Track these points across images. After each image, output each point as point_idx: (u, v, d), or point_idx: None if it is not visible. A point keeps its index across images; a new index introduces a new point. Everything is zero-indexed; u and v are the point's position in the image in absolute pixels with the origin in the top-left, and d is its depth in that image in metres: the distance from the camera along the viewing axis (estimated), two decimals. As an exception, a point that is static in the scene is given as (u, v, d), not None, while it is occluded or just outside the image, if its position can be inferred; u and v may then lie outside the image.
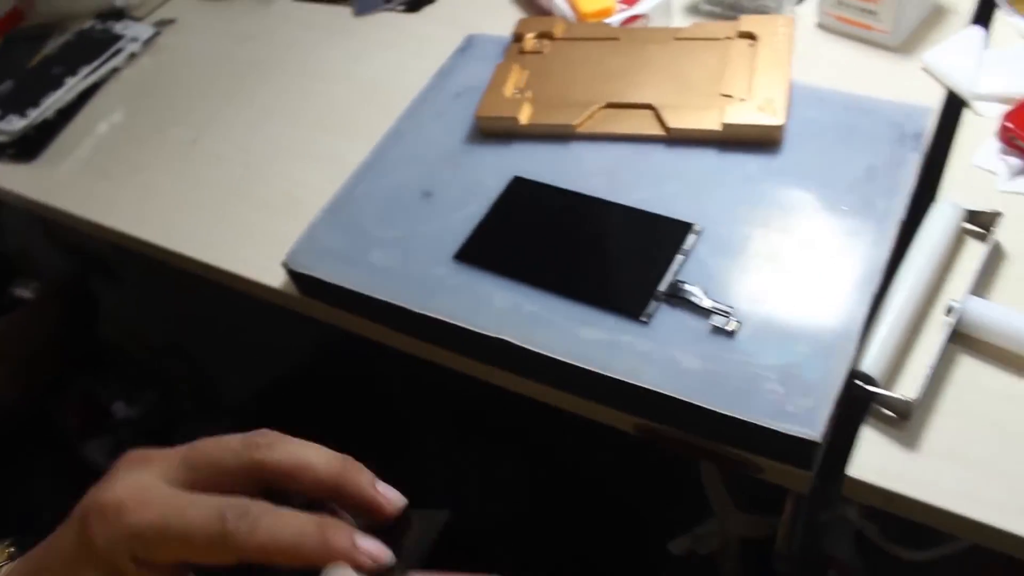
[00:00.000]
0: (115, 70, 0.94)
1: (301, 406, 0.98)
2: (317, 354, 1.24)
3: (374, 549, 0.35)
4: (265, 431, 0.37)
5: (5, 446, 1.33)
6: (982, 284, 0.56)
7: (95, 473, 0.38)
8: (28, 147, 0.90)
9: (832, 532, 0.70)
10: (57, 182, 0.86)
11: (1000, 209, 0.57)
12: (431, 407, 1.02)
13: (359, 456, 0.37)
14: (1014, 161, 0.60)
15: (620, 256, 0.59)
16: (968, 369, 0.53)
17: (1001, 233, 0.58)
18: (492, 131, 0.68)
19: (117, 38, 0.95)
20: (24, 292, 1.47)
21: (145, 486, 0.36)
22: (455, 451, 1.00)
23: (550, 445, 0.82)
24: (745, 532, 0.71)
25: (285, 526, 0.34)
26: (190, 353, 1.44)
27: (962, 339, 0.54)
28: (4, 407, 1.33)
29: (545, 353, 0.55)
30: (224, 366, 1.43)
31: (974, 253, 0.58)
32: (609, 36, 0.72)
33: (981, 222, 0.59)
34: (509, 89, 0.69)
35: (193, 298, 1.37)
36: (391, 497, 0.37)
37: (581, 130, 0.66)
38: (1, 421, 1.33)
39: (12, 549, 0.47)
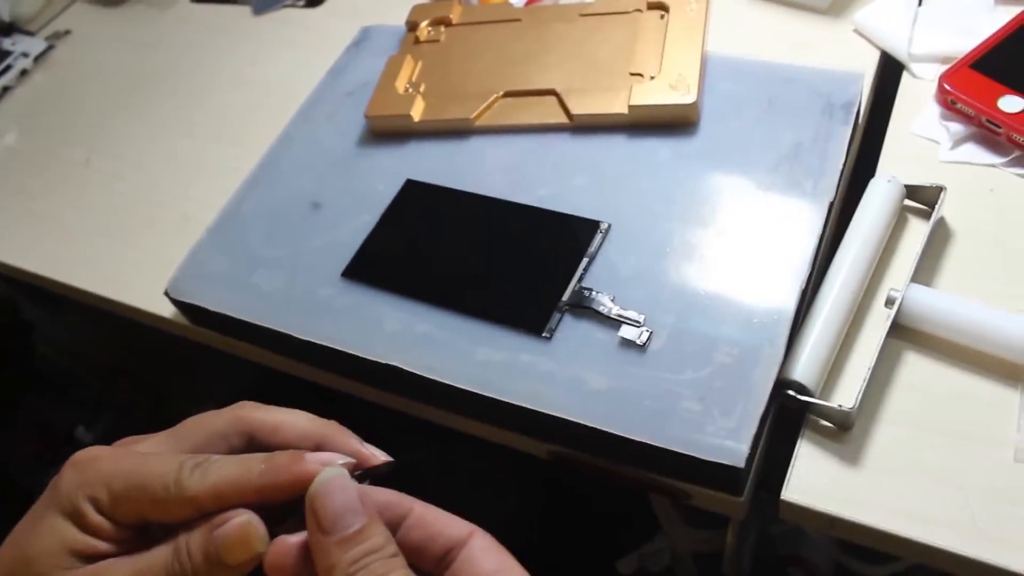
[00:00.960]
0: (6, 89, 0.87)
1: None
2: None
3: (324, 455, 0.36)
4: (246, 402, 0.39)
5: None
6: (926, 268, 0.50)
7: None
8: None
9: (792, 535, 0.65)
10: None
11: (943, 182, 0.51)
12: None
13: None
14: (955, 127, 0.54)
15: (521, 264, 0.52)
16: (913, 367, 0.47)
17: (946, 209, 0.52)
18: (384, 131, 0.62)
19: (6, 55, 0.88)
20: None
21: (127, 450, 0.37)
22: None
23: (489, 467, 0.76)
24: (695, 547, 0.65)
25: (236, 464, 0.35)
26: (138, 374, 1.39)
27: (905, 333, 0.48)
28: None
29: (439, 379, 0.49)
30: (176, 385, 1.37)
31: (917, 233, 0.52)
32: (510, 18, 0.65)
33: (923, 198, 0.52)
34: (401, 84, 0.63)
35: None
36: (375, 452, 0.37)
37: (479, 123, 0.60)
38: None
39: None
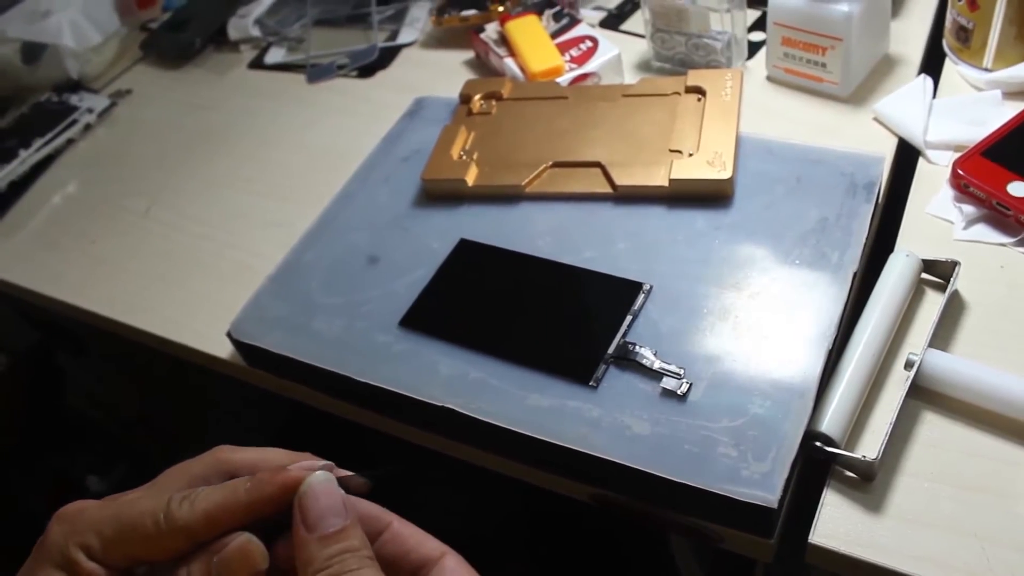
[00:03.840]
0: (70, 141, 0.93)
1: None
2: (290, 423, 1.21)
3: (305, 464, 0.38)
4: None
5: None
6: (942, 335, 0.54)
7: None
8: (-20, 221, 0.88)
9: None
10: (9, 255, 0.84)
11: (957, 258, 0.56)
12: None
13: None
14: (968, 208, 0.59)
15: (568, 318, 0.57)
16: (931, 425, 0.51)
17: (960, 282, 0.56)
18: (438, 194, 0.67)
19: (72, 109, 0.94)
20: (-10, 365, 1.44)
21: (112, 498, 0.38)
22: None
23: (513, 517, 0.79)
24: (717, 601, 0.68)
25: (221, 489, 0.37)
26: (159, 425, 1.41)
27: (923, 394, 0.52)
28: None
29: (491, 422, 0.52)
30: (194, 437, 1.40)
31: (933, 304, 0.56)
32: (558, 95, 0.71)
33: (939, 272, 0.57)
34: (456, 151, 0.68)
35: (160, 370, 1.35)
36: (350, 473, 0.39)
37: (529, 190, 0.65)
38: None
39: None
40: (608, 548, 0.73)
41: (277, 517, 0.37)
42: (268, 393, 0.68)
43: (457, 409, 0.53)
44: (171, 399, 1.37)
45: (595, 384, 0.53)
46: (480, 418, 0.53)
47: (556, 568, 0.82)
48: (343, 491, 0.37)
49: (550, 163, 0.66)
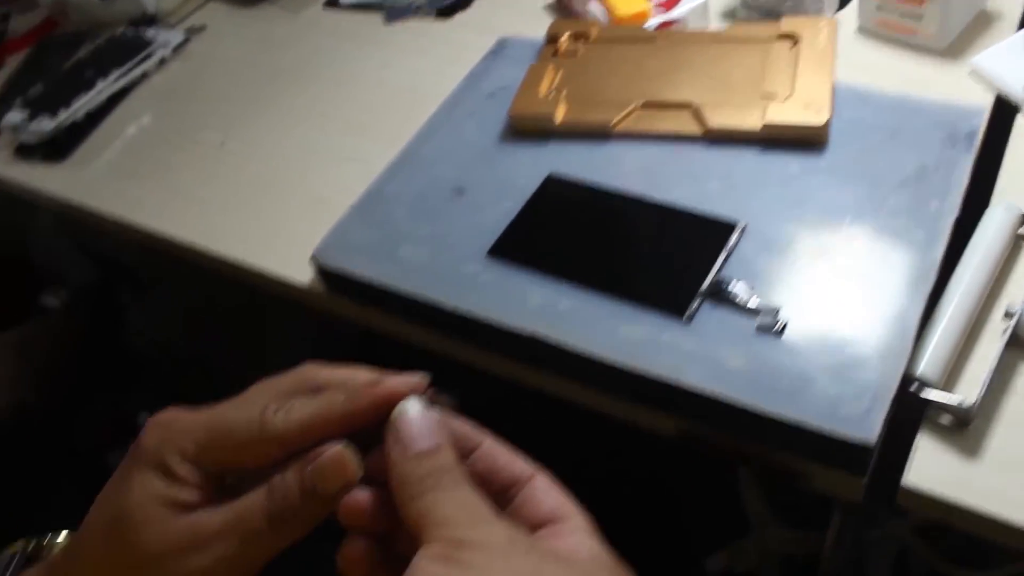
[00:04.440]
0: (145, 75, 0.93)
1: None
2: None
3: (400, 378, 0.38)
4: None
5: (29, 453, 1.31)
6: (1040, 288, 0.54)
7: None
8: (58, 148, 0.89)
9: (876, 554, 0.67)
10: (86, 183, 0.85)
11: (1056, 213, 0.55)
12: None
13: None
14: (1071, 163, 0.58)
15: (661, 254, 0.57)
16: (1025, 375, 0.51)
17: (1060, 236, 0.55)
18: (526, 129, 0.67)
19: (148, 43, 0.94)
20: (51, 301, 1.46)
21: (205, 408, 0.39)
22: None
23: (584, 458, 0.79)
24: (785, 548, 0.68)
25: (317, 400, 0.38)
26: (213, 366, 1.43)
27: (1021, 345, 0.51)
28: (29, 413, 1.32)
29: (582, 351, 0.53)
30: (247, 380, 1.41)
31: (1031, 257, 0.56)
32: (646, 38, 0.70)
33: (1037, 226, 0.56)
34: (543, 88, 0.68)
35: (217, 311, 1.36)
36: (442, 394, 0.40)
37: (618, 129, 0.64)
38: (26, 427, 1.32)
39: (28, 546, 0.46)
40: (671, 489, 0.73)
41: (368, 431, 0.37)
42: (325, 335, 0.68)
43: (547, 337, 0.53)
44: (226, 341, 1.39)
45: (689, 318, 0.53)
46: (569, 346, 0.53)
47: (618, 510, 0.82)
48: (437, 412, 0.37)
49: (640, 103, 0.65)
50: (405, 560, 0.36)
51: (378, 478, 0.38)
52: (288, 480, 0.37)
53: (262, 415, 0.37)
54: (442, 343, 0.62)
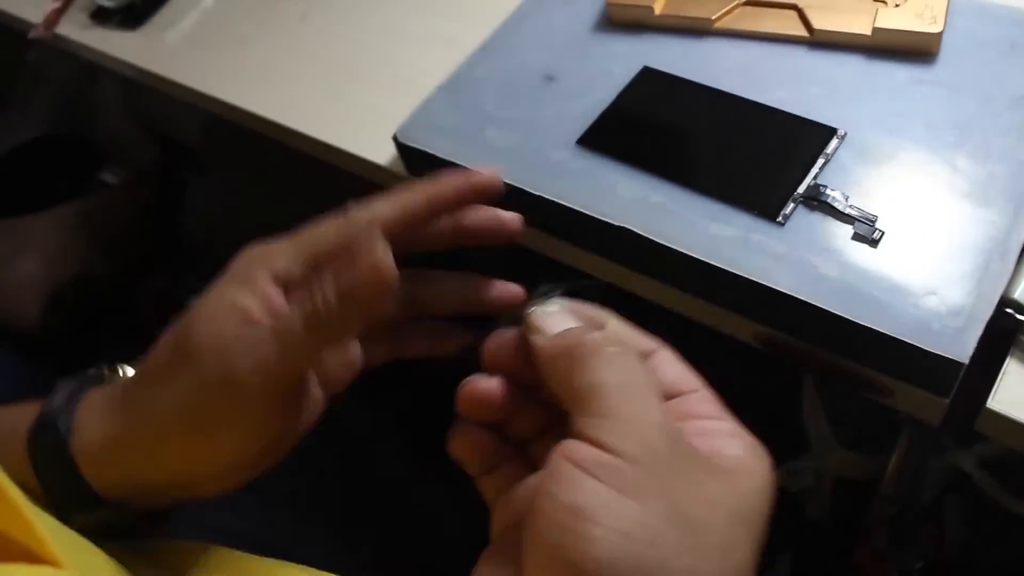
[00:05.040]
0: (224, -58, 0.92)
1: None
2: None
3: None
4: None
5: (90, 324, 1.35)
6: None
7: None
8: (134, 15, 0.89)
9: (936, 482, 0.67)
10: (162, 51, 0.85)
11: None
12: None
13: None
14: None
15: (756, 155, 0.55)
16: None
17: None
18: (622, 20, 0.65)
19: (229, -90, 0.92)
20: (111, 178, 1.48)
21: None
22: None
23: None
24: (843, 471, 0.68)
25: (394, 191, 0.43)
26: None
27: None
28: (91, 283, 1.34)
29: (671, 246, 0.52)
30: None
31: None
32: (755, -69, 0.67)
33: None
34: (647, -21, 0.65)
35: (278, 200, 1.37)
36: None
37: (718, 25, 0.62)
38: (91, 296, 1.35)
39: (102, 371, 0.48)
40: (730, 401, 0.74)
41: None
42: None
43: (635, 230, 0.53)
44: (284, 226, 1.40)
45: (783, 221, 0.51)
46: (658, 241, 0.52)
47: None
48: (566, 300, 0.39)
49: (743, 0, 0.63)
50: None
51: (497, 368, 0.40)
52: (325, 284, 0.38)
53: (345, 214, 0.42)
54: (524, 234, 0.61)
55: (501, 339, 0.40)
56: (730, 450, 0.34)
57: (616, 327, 0.39)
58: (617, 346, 0.35)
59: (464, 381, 0.39)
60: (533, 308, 0.39)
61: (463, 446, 0.39)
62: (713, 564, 0.30)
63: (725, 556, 0.30)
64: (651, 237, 0.52)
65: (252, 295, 0.40)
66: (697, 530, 0.30)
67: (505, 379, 0.40)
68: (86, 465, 0.42)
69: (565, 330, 0.37)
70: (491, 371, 0.40)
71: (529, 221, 0.59)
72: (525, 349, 0.39)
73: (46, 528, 0.30)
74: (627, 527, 0.29)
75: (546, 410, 0.40)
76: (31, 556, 0.28)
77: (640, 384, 0.34)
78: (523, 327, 0.39)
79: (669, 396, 0.37)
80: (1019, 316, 0.48)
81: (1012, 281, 0.48)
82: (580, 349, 0.35)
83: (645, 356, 0.38)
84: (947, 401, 0.49)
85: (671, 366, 0.38)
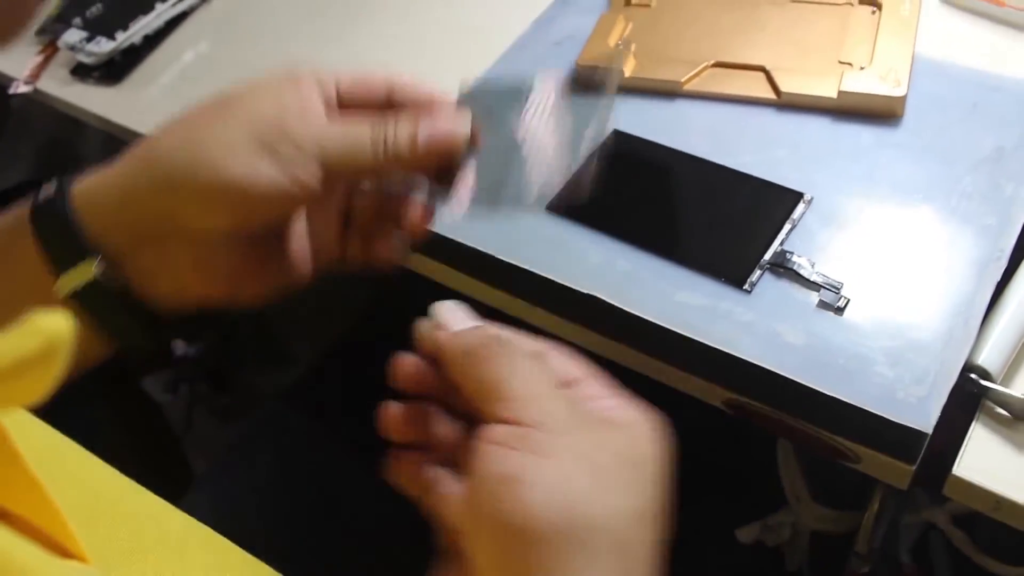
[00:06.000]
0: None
1: (366, 365, 0.96)
2: (381, 313, 1.22)
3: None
4: None
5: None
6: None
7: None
8: (114, 71, 0.89)
9: (909, 537, 0.67)
10: (140, 107, 0.85)
11: None
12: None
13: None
14: None
15: (724, 220, 0.56)
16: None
17: None
18: (592, 83, 0.65)
19: (208, -34, 0.93)
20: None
21: None
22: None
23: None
24: (818, 525, 0.68)
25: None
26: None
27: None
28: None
29: (638, 314, 0.52)
30: (288, 317, 1.42)
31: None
32: (722, -7, 0.68)
33: (1116, 216, 0.55)
34: (613, 39, 0.66)
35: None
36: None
37: (687, 88, 0.63)
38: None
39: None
40: (709, 459, 0.73)
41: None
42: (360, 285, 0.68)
43: (603, 298, 0.53)
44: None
45: (749, 288, 0.52)
46: (627, 309, 0.52)
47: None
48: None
49: (711, 62, 0.63)
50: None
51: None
52: (401, 123, 0.44)
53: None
54: (493, 296, 0.61)
55: (405, 361, 0.41)
56: (619, 412, 0.38)
57: (507, 331, 0.40)
58: (511, 345, 0.38)
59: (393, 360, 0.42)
60: (435, 306, 0.42)
61: (398, 472, 0.41)
62: (619, 500, 0.34)
63: (628, 493, 0.35)
64: (619, 305, 0.53)
65: (316, 87, 0.44)
66: (602, 474, 0.35)
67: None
68: (81, 204, 0.43)
69: (466, 328, 0.40)
70: (404, 391, 0.42)
71: (500, 286, 0.60)
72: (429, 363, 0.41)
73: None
74: (551, 482, 0.33)
75: (458, 424, 0.42)
76: (62, 551, 0.28)
77: (535, 371, 0.38)
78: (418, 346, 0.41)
79: (566, 384, 0.39)
80: (983, 382, 0.48)
81: (976, 347, 0.49)
82: (483, 350, 0.38)
83: (538, 355, 0.39)
84: (914, 468, 0.49)
85: (560, 360, 0.40)
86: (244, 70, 0.83)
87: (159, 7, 0.90)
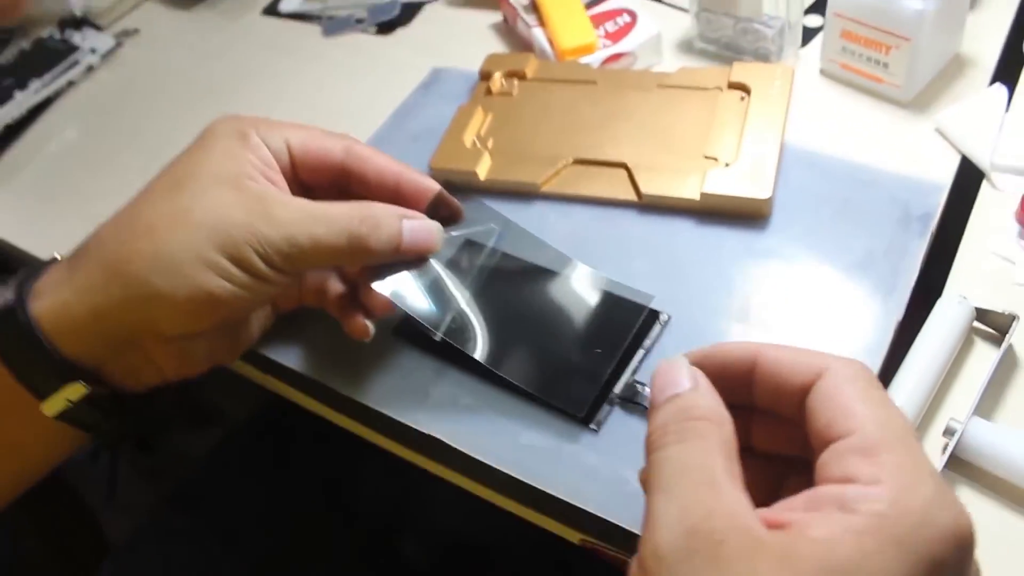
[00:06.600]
0: (71, 83, 0.88)
1: (292, 431, 0.92)
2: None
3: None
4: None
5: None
6: (991, 398, 0.49)
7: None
8: (-27, 165, 0.84)
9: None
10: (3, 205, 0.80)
11: (1017, 307, 0.50)
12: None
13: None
14: (1035, 251, 0.53)
15: (572, 346, 0.51)
16: (967, 505, 0.46)
17: (1018, 338, 0.50)
18: (448, 185, 0.61)
19: (75, 48, 0.88)
20: None
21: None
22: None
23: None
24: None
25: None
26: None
27: (962, 466, 0.47)
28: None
29: (482, 460, 0.48)
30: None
31: (983, 359, 0.50)
32: (586, 79, 0.64)
33: (993, 323, 0.51)
34: (469, 137, 0.62)
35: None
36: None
37: (545, 189, 0.59)
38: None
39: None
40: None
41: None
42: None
43: (444, 440, 0.49)
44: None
45: (596, 427, 0.48)
46: (471, 454, 0.48)
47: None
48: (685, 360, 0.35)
49: (571, 160, 0.59)
50: None
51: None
52: (385, 219, 0.45)
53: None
54: (340, 419, 0.57)
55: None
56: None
57: (768, 359, 0.34)
58: (695, 426, 0.31)
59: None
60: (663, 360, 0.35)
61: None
62: None
63: None
64: (461, 449, 0.48)
65: (255, 152, 0.46)
66: None
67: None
68: (51, 326, 0.42)
69: (668, 398, 0.33)
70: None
71: (348, 414, 0.56)
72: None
73: None
74: None
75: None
76: None
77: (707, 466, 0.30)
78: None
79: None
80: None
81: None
82: (661, 437, 0.32)
83: (811, 380, 0.32)
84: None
85: (851, 384, 0.31)
86: (111, 161, 0.79)
87: (19, 96, 0.85)
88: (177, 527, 0.81)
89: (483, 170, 0.60)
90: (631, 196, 0.57)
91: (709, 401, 0.32)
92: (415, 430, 0.50)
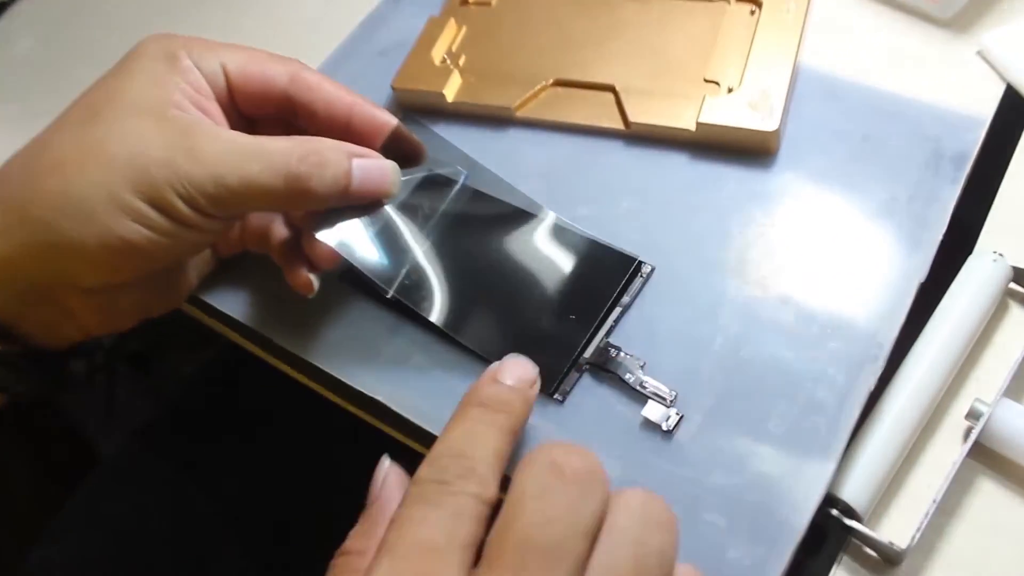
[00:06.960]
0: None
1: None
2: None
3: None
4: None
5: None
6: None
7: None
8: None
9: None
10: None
11: (1060, 266, 0.42)
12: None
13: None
14: (1087, 202, 0.45)
15: (542, 302, 0.44)
16: (988, 500, 0.39)
17: (1058, 300, 0.43)
18: (412, 107, 0.54)
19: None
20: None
21: None
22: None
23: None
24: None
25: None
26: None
27: (986, 455, 0.40)
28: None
29: (426, 428, 0.42)
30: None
31: (1018, 328, 0.43)
32: (577, -13, 0.56)
33: (1032, 284, 0.44)
34: (439, 53, 0.54)
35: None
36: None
37: (521, 114, 0.51)
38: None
39: None
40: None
41: None
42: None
43: (388, 404, 0.43)
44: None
45: (561, 398, 0.41)
46: (415, 422, 0.42)
47: None
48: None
49: (551, 81, 0.52)
50: None
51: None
52: (330, 157, 0.39)
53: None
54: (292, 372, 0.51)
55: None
56: None
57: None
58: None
59: None
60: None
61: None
62: None
63: None
64: (407, 416, 0.42)
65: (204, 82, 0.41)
66: None
67: None
68: None
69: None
70: None
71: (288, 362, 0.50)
72: None
73: None
74: None
75: None
76: None
77: None
78: None
79: None
80: (848, 521, 0.38)
81: (839, 476, 0.39)
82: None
83: None
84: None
85: None
86: (68, 75, 0.72)
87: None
88: (162, 446, 0.76)
89: (451, 91, 0.52)
90: (617, 124, 0.49)
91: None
92: (359, 391, 0.44)
